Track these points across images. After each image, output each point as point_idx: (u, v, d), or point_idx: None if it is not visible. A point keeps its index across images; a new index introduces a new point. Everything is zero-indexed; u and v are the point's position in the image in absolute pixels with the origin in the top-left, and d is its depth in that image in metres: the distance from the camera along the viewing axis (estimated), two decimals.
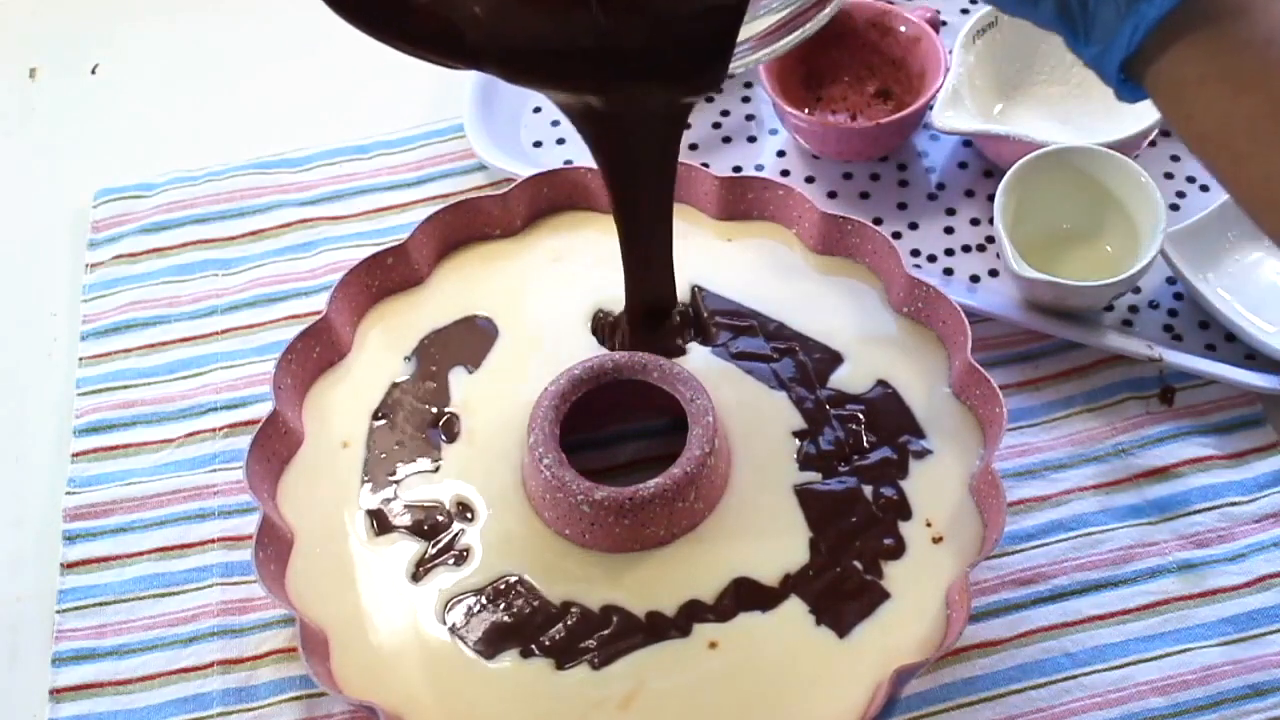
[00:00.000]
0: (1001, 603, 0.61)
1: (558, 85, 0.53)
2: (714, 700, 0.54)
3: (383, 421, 0.62)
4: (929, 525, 0.57)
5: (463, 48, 0.50)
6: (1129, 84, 0.45)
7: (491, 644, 0.55)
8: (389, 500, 0.59)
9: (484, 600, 0.56)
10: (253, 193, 0.78)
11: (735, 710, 0.54)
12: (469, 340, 0.64)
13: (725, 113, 0.79)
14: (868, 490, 0.58)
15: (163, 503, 0.66)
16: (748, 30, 0.52)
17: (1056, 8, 0.45)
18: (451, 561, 0.57)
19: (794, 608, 0.56)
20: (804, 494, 0.58)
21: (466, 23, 0.49)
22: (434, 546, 0.58)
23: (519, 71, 0.52)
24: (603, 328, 0.64)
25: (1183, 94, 0.43)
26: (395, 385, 0.63)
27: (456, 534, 0.58)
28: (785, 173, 0.76)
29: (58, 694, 0.61)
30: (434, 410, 0.62)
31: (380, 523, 0.59)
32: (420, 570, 0.57)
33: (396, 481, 0.60)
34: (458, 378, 0.63)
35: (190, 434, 0.68)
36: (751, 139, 0.78)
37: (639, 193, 0.57)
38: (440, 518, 0.59)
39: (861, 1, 0.75)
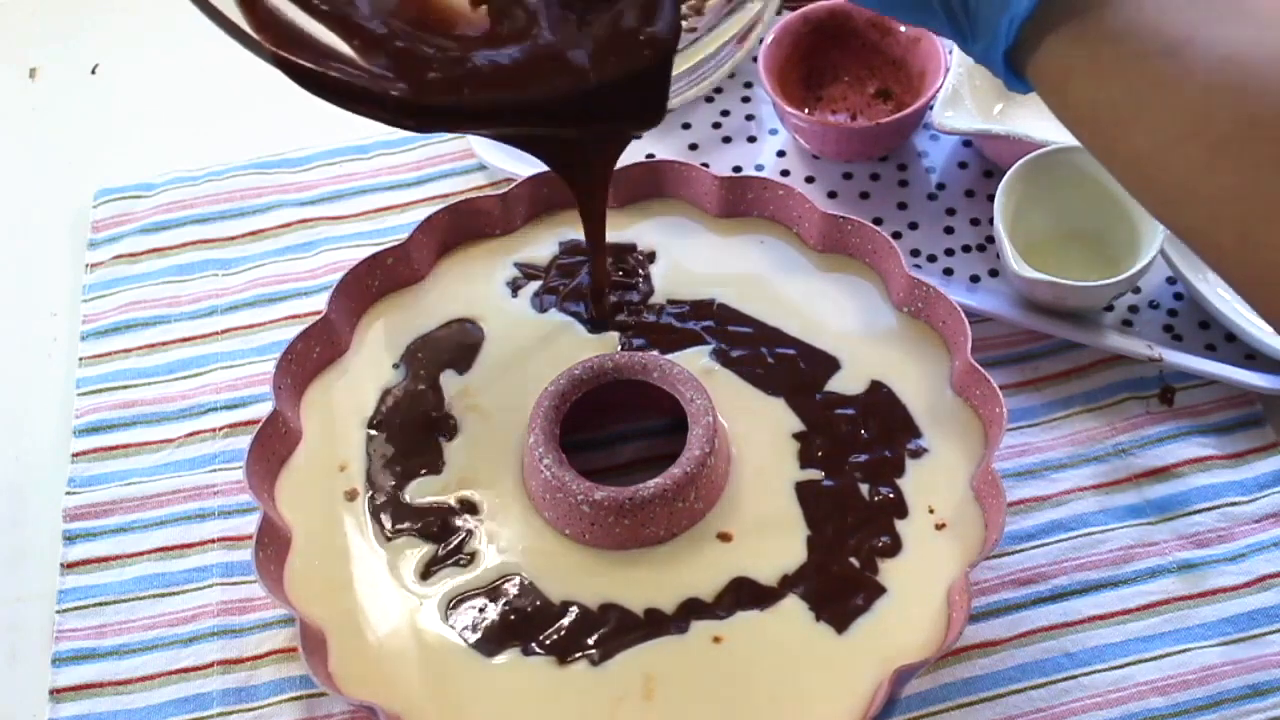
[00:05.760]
0: (1001, 603, 0.61)
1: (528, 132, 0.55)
2: (725, 693, 0.54)
3: (381, 422, 0.62)
4: (931, 512, 0.58)
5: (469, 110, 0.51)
6: (1017, 77, 0.46)
7: (492, 643, 0.55)
8: (388, 501, 0.59)
9: (484, 599, 0.56)
10: (253, 193, 0.78)
11: (747, 701, 0.54)
12: (458, 344, 0.64)
13: (725, 113, 0.79)
14: (865, 489, 0.58)
15: (163, 503, 0.66)
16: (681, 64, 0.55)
17: (945, 14, 0.46)
18: (453, 562, 0.57)
19: (793, 604, 0.56)
20: (803, 493, 0.58)
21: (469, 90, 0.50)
22: (437, 547, 0.58)
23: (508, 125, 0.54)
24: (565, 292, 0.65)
25: (1056, 84, 0.45)
26: (388, 390, 0.63)
27: (458, 534, 0.58)
28: (785, 173, 0.76)
29: (58, 694, 0.61)
30: (430, 413, 0.62)
31: (380, 523, 0.59)
32: (423, 570, 0.57)
33: (396, 483, 0.60)
34: (449, 380, 0.63)
35: (190, 434, 0.69)
36: (751, 139, 0.78)
37: (592, 190, 0.60)
38: (442, 519, 0.59)
39: None
